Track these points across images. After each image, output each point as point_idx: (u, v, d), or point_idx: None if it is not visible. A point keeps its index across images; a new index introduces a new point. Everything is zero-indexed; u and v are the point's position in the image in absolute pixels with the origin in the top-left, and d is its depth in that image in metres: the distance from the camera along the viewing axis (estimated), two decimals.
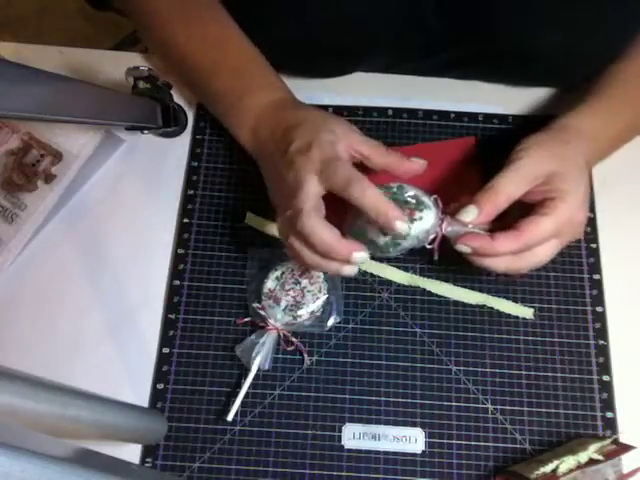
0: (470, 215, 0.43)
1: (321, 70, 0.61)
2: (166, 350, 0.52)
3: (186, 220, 0.57)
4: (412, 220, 0.44)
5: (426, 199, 0.45)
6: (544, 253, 0.45)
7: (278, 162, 0.47)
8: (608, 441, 0.46)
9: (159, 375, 0.52)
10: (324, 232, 0.42)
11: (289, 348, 0.51)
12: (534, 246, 0.44)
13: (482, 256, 0.44)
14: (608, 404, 0.50)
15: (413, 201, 0.44)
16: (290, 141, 0.46)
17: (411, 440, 0.50)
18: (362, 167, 0.47)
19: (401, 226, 0.42)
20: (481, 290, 0.54)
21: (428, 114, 0.61)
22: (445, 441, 0.50)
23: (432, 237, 0.45)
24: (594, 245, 0.55)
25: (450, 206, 0.46)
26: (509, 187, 0.44)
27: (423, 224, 0.44)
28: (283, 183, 0.46)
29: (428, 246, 0.46)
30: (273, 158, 0.48)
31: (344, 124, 0.48)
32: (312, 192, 0.43)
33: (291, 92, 0.54)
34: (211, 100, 0.56)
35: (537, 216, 0.43)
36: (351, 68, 0.62)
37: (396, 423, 0.50)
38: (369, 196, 0.41)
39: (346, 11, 0.52)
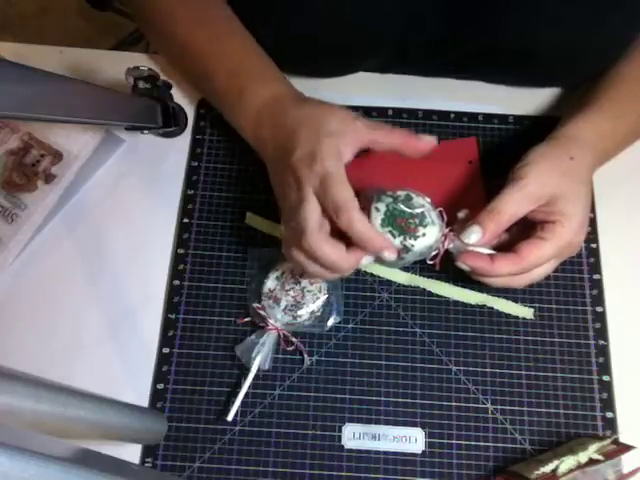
0: (474, 237, 0.44)
1: (321, 70, 0.61)
2: (166, 350, 0.52)
3: (186, 220, 0.57)
4: (415, 237, 0.44)
5: (432, 213, 0.45)
6: (542, 272, 0.46)
7: (282, 169, 0.46)
8: (608, 441, 0.46)
9: (159, 375, 0.52)
10: (328, 250, 0.42)
11: (289, 348, 0.51)
12: (533, 269, 0.44)
13: (481, 275, 0.45)
14: (608, 404, 0.50)
15: (417, 216, 0.44)
16: (293, 149, 0.45)
17: (411, 440, 0.50)
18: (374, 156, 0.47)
19: (389, 256, 0.42)
20: (481, 290, 0.54)
21: (428, 114, 0.61)
22: (445, 441, 0.50)
23: (434, 253, 0.45)
24: (594, 245, 0.55)
25: (455, 222, 0.46)
26: (512, 207, 0.44)
27: (426, 240, 0.44)
28: (287, 190, 0.45)
29: (429, 262, 0.46)
30: (276, 163, 0.48)
31: (342, 116, 0.46)
32: (314, 210, 0.43)
33: (291, 84, 0.53)
34: (214, 97, 0.56)
35: (537, 240, 0.44)
36: (351, 68, 0.62)
37: (396, 423, 0.50)
38: (356, 228, 0.42)
39: (346, 11, 0.52)
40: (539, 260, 0.44)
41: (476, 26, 0.54)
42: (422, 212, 0.44)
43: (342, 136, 0.45)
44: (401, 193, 0.45)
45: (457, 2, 0.52)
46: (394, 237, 0.43)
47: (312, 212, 0.42)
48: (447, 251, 0.46)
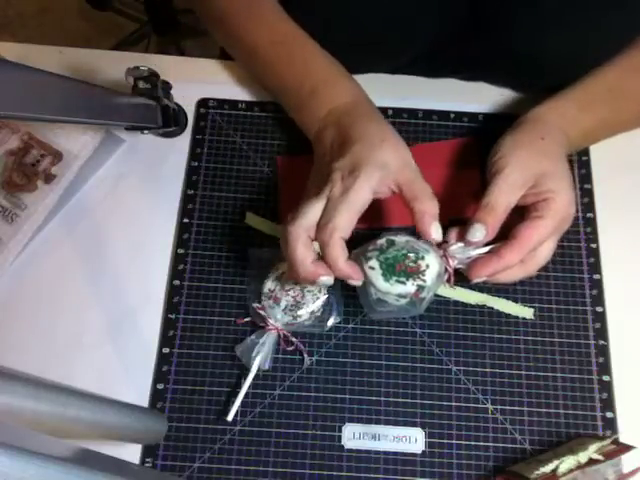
0: (479, 234, 0.44)
1: None
2: (166, 350, 0.52)
3: (186, 220, 0.57)
4: (422, 272, 0.43)
5: (419, 243, 0.44)
6: (546, 253, 0.46)
7: (324, 163, 0.48)
8: (608, 441, 0.46)
9: (159, 375, 0.52)
10: (300, 248, 0.42)
11: (289, 348, 0.51)
12: (537, 246, 0.44)
13: (495, 276, 0.45)
14: (608, 404, 0.50)
15: (410, 253, 0.43)
16: (342, 154, 0.46)
17: (411, 440, 0.50)
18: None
19: (355, 283, 0.43)
20: (481, 290, 0.54)
21: (428, 114, 0.61)
22: (445, 441, 0.50)
23: (446, 278, 0.45)
24: (594, 245, 0.55)
25: (451, 234, 0.46)
26: (505, 198, 0.44)
27: (433, 270, 0.43)
28: (316, 179, 0.47)
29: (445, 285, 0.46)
30: (324, 157, 0.49)
31: (400, 156, 0.46)
32: (315, 213, 0.43)
33: (362, 90, 0.53)
34: (279, 95, 0.57)
35: (535, 219, 0.44)
36: (354, 69, 0.62)
37: (396, 423, 0.50)
38: (328, 251, 0.42)
39: (349, 12, 0.52)
40: (541, 237, 0.44)
41: (480, 29, 0.54)
42: (411, 247, 0.44)
43: (387, 173, 0.44)
44: (381, 241, 0.44)
45: (462, 6, 0.52)
46: (404, 284, 0.43)
47: (313, 212, 0.43)
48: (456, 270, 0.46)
